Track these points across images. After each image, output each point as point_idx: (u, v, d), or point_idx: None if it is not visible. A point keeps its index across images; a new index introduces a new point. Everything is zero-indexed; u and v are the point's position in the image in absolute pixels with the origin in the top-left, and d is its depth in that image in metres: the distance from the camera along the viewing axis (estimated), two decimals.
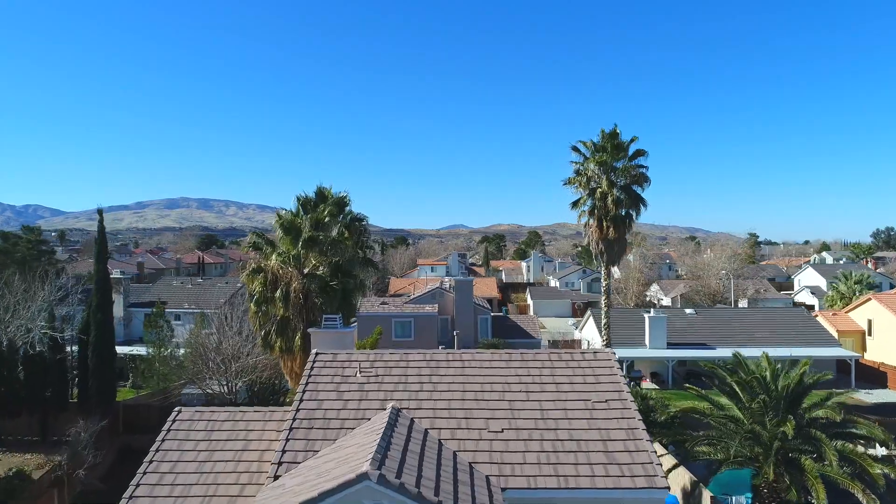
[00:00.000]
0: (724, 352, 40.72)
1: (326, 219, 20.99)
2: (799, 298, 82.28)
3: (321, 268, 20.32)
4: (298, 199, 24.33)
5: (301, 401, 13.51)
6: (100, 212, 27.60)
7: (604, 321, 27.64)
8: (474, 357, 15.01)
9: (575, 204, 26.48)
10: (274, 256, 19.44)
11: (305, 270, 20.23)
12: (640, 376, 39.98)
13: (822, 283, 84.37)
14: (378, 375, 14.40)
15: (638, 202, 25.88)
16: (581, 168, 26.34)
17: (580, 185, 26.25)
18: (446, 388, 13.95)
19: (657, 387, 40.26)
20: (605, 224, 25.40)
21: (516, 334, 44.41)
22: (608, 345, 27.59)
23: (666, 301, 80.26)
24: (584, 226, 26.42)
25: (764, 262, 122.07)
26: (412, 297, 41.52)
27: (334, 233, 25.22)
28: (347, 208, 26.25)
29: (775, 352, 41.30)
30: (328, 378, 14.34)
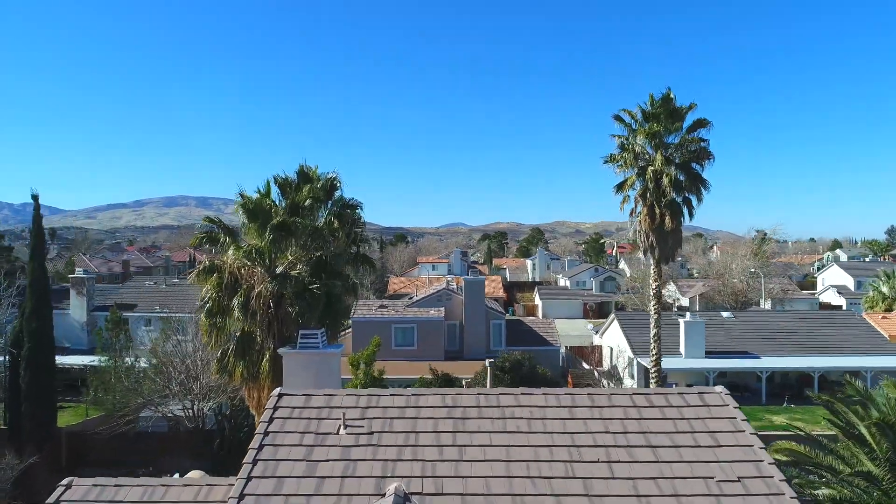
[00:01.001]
0: (771, 362, 35.70)
1: (307, 202, 15.88)
2: (824, 298, 77.38)
3: (299, 266, 15.31)
4: (276, 181, 19.25)
5: (248, 480, 8.40)
6: (35, 198, 22.53)
7: (653, 331, 22.63)
8: (519, 401, 9.92)
9: (620, 186, 21.42)
10: (232, 251, 14.37)
11: (278, 269, 15.22)
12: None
13: (849, 281, 79.42)
14: (373, 432, 9.29)
15: (698, 184, 20.84)
16: (626, 142, 21.25)
17: (625, 162, 21.18)
18: (480, 454, 8.86)
19: None
20: (658, 211, 20.39)
21: (533, 341, 39.31)
22: (657, 361, 22.48)
23: (684, 301, 75.19)
24: (630, 213, 21.51)
25: (775, 261, 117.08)
26: (415, 299, 36.53)
27: (321, 222, 20.18)
28: (337, 192, 21.18)
29: (830, 362, 36.41)
30: (295, 437, 9.24)
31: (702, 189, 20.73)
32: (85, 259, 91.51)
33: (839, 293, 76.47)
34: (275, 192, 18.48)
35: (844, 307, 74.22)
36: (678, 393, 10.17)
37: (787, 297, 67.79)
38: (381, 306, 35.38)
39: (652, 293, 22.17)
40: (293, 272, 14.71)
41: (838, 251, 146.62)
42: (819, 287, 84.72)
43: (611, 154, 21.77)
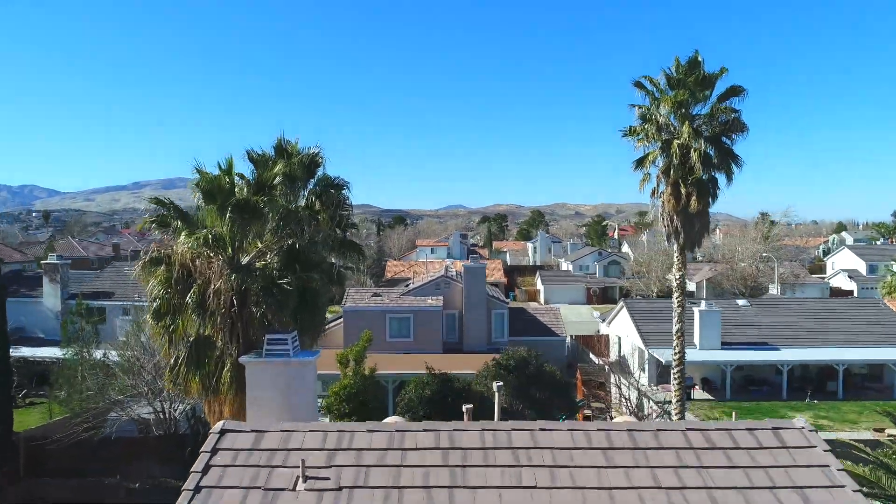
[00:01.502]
0: (792, 354, 33.37)
1: (277, 180, 13.34)
2: (835, 283, 75.00)
3: (268, 256, 12.85)
4: (249, 156, 16.75)
5: None
6: None
7: (676, 326, 20.22)
8: (537, 440, 7.51)
9: (640, 162, 18.76)
10: (183, 237, 11.83)
11: (245, 260, 12.76)
12: (692, 384, 32.61)
13: (860, 265, 77.01)
14: (342, 487, 6.89)
15: (729, 160, 18.20)
16: (648, 113, 18.60)
17: (647, 135, 18.50)
18: None
19: (711, 396, 32.95)
20: (683, 190, 17.80)
21: (537, 331, 37.02)
22: (680, 359, 20.11)
23: (690, 286, 72.86)
24: (651, 193, 18.96)
25: (785, 244, 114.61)
26: (411, 287, 34.12)
27: (301, 203, 17.69)
28: (319, 170, 18.67)
29: (856, 354, 34.10)
30: (237, 495, 6.83)
31: (733, 166, 18.17)
32: (74, 242, 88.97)
33: (850, 277, 74.10)
34: (248, 169, 15.97)
35: (856, 292, 71.93)
36: (747, 429, 7.74)
37: (798, 282, 65.45)
38: (375, 294, 32.98)
39: (675, 283, 19.78)
40: (258, 263, 12.23)
41: (843, 234, 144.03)
42: (829, 271, 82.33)
43: (630, 126, 19.14)
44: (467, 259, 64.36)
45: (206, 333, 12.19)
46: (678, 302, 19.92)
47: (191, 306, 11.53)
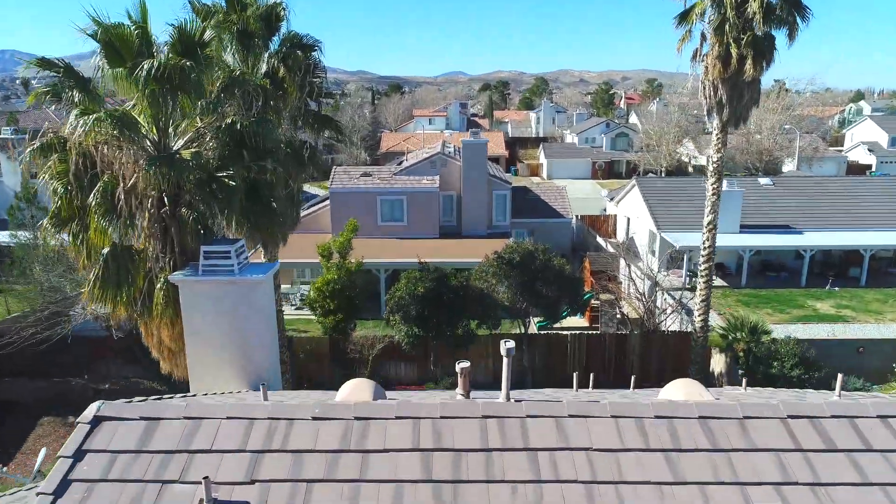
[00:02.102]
0: (816, 238, 30.97)
1: (208, 34, 9.89)
2: (853, 157, 71.39)
3: (206, 140, 9.78)
4: (193, 7, 13.10)
5: None
6: None
7: (708, 217, 17.45)
8: (567, 437, 4.98)
9: (684, 17, 14.73)
10: (74, 116, 8.56)
11: (175, 146, 9.70)
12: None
13: (881, 137, 73.01)
14: None
15: (795, 12, 14.29)
16: None
17: None
18: None
19: (724, 283, 30.98)
20: (735, 52, 14.11)
21: (542, 213, 34.42)
22: (709, 256, 17.58)
23: (702, 160, 69.43)
24: (693, 56, 15.32)
25: (804, 114, 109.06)
26: (405, 165, 30.96)
27: (260, 69, 14.23)
28: (283, 26, 14.98)
29: (885, 238, 31.69)
30: None
31: (797, 20, 14.34)
32: (50, 111, 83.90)
33: (870, 150, 70.45)
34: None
35: (874, 167, 68.68)
36: (878, 416, 5.19)
37: (817, 156, 61.95)
38: (365, 174, 29.92)
39: (712, 167, 16.78)
40: (186, 152, 9.18)
41: (861, 103, 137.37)
42: (847, 143, 78.32)
43: None
44: (466, 131, 60.34)
45: (127, 244, 9.48)
46: (713, 189, 17.03)
47: (94, 209, 8.70)
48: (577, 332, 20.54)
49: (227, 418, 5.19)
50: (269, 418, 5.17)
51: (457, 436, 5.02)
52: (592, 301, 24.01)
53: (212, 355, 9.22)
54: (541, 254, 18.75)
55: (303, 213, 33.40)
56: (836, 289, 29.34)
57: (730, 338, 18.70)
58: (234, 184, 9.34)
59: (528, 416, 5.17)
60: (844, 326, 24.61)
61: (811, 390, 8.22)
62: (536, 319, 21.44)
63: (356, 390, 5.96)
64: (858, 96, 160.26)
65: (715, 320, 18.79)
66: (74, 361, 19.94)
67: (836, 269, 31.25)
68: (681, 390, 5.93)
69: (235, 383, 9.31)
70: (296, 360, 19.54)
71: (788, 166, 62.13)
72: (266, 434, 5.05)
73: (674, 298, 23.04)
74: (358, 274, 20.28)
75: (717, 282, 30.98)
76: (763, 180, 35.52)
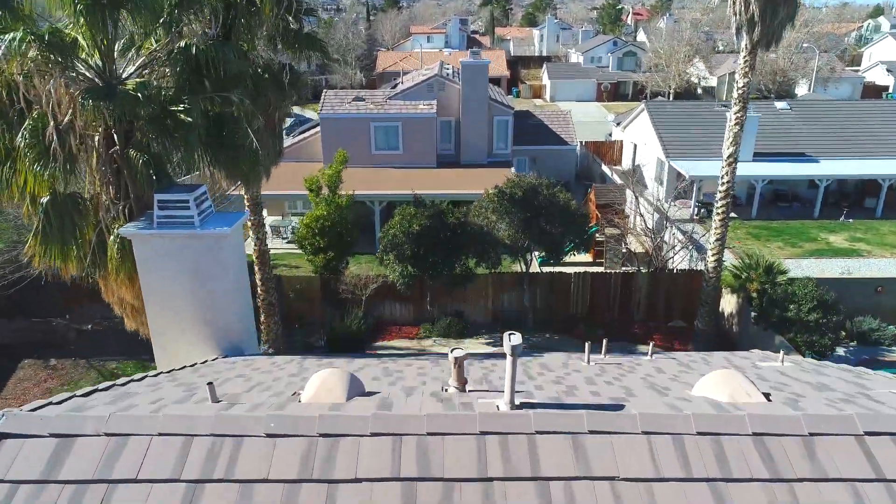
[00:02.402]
0: (833, 166, 29.51)
1: None
2: (870, 77, 68.29)
3: (159, 68, 8.28)
4: None
5: None
6: None
7: (729, 150, 15.95)
8: (585, 460, 3.95)
9: None
10: (9, 41, 7.08)
11: (124, 74, 8.24)
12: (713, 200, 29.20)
13: None
14: None
15: None
16: None
17: None
18: None
19: (735, 214, 29.67)
20: None
21: (545, 139, 32.72)
22: (727, 192, 16.29)
23: (711, 81, 66.58)
24: None
25: (820, 31, 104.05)
26: (399, 89, 28.99)
27: None
28: None
29: None
30: None
31: None
32: None
33: (888, 71, 67.30)
34: None
35: (892, 88, 65.84)
36: None
37: (834, 76, 59.16)
38: (357, 98, 28.03)
39: (737, 94, 15.16)
40: (131, 83, 7.72)
41: (880, 19, 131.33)
42: (864, 63, 74.90)
43: None
44: (466, 50, 57.20)
45: (74, 191, 8.21)
46: (736, 119, 15.49)
47: (28, 153, 7.37)
48: (582, 270, 19.52)
49: (160, 435, 4.13)
50: (211, 435, 4.11)
51: (448, 459, 3.98)
52: (597, 236, 22.88)
53: (174, 319, 8.15)
54: (544, 188, 17.43)
55: (294, 140, 31.76)
56: (851, 220, 28.17)
57: (743, 277, 17.69)
58: (190, 119, 7.94)
59: (538, 433, 4.11)
60: (858, 261, 23.62)
61: (831, 365, 7.20)
62: (537, 254, 20.35)
63: (327, 386, 4.88)
64: (877, 11, 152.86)
65: (726, 257, 17.71)
66: (54, 301, 19.03)
67: (850, 199, 29.99)
68: (723, 387, 4.85)
69: (204, 349, 8.30)
70: (285, 300, 18.62)
71: (802, 88, 59.48)
72: (208, 456, 4.00)
73: (683, 234, 21.88)
74: (349, 208, 19.04)
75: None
76: (779, 104, 33.59)
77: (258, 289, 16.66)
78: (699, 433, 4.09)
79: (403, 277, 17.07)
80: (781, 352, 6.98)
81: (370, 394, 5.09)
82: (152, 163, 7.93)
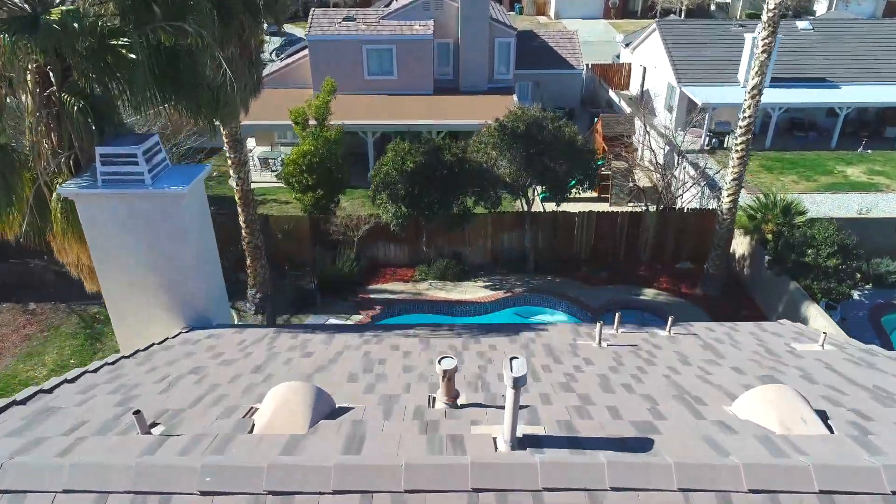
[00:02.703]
0: (855, 93, 27.81)
1: None
2: None
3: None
4: None
5: None
6: None
7: (754, 80, 14.53)
8: None
9: None
10: None
11: (57, 0, 6.92)
12: (729, 130, 27.76)
13: None
14: None
15: None
16: None
17: None
18: None
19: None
20: None
21: (549, 63, 30.75)
22: (749, 127, 14.99)
23: None
24: None
25: None
26: (393, 8, 26.79)
27: None
28: None
29: None
30: None
31: None
32: None
33: None
34: None
35: None
36: None
37: None
38: (347, 18, 25.95)
39: (766, 16, 13.52)
40: (56, 11, 6.39)
41: None
42: None
43: None
44: None
45: (5, 142, 7.05)
46: (764, 45, 13.99)
47: None
48: (587, 210, 18.44)
49: (65, 492, 3.26)
50: (131, 492, 3.23)
51: None
52: (602, 170, 21.64)
53: (131, 287, 7.21)
54: (549, 122, 16.09)
55: (282, 63, 29.76)
56: (870, 151, 26.78)
57: (758, 218, 16.65)
58: (133, 56, 6.67)
59: (546, 490, 3.24)
60: (877, 196, 22.49)
61: (880, 351, 6.28)
62: (540, 189, 19.21)
63: (287, 407, 3.97)
64: None
65: (740, 195, 16.63)
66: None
67: (870, 128, 28.46)
68: (772, 408, 3.94)
69: (166, 320, 7.40)
70: (273, 241, 17.66)
71: (821, 6, 56.11)
72: None
73: (695, 169, 20.63)
74: (340, 142, 17.73)
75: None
76: (801, 24, 31.33)
77: (242, 231, 15.67)
78: (751, 490, 3.22)
79: (397, 218, 16.03)
80: (823, 334, 6.07)
81: (341, 411, 4.20)
82: (89, 110, 6.73)
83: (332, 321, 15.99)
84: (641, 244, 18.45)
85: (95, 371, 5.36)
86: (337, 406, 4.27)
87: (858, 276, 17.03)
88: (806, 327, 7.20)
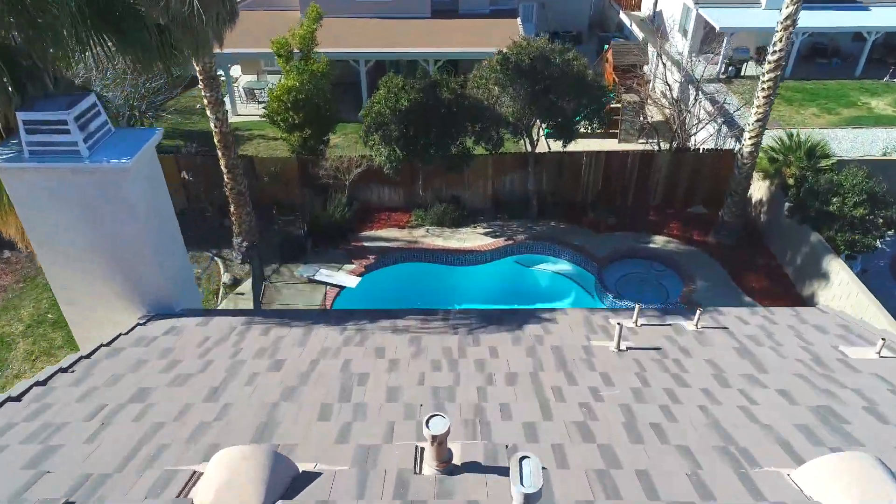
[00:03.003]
0: (885, 14, 25.82)
1: None
2: None
3: None
4: None
5: None
6: None
7: (788, 9, 13.01)
8: None
9: None
10: None
11: None
12: (747, 57, 25.96)
13: None
14: None
15: None
16: None
17: None
18: None
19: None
20: None
21: None
22: (776, 64, 13.56)
23: None
24: None
25: None
26: None
27: None
28: None
29: None
30: None
31: None
32: None
33: None
34: None
35: None
36: None
37: None
38: None
39: None
40: None
41: None
42: None
43: None
44: None
45: None
46: None
47: None
48: (595, 150, 17.17)
49: None
50: None
51: None
52: (612, 103, 20.15)
53: (74, 271, 6.26)
54: (557, 55, 14.60)
55: None
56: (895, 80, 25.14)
57: (779, 160, 15.47)
58: (63, 4, 5.40)
59: None
60: None
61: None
62: (544, 125, 17.88)
63: (234, 485, 3.11)
64: None
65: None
66: None
67: None
68: (849, 488, 3.08)
69: (121, 308, 6.49)
70: (259, 184, 16.56)
71: None
72: None
73: (713, 104, 19.19)
74: (327, 77, 16.28)
75: (754, 70, 26.52)
76: None
77: (224, 177, 14.53)
78: None
79: (391, 162, 14.85)
80: (881, 340, 5.17)
81: (305, 479, 3.34)
82: (1, 65, 5.53)
83: (323, 271, 15.13)
84: (652, 185, 17.32)
85: (19, 398, 4.48)
86: (301, 471, 3.41)
87: (883, 224, 16.04)
88: (851, 317, 6.31)
